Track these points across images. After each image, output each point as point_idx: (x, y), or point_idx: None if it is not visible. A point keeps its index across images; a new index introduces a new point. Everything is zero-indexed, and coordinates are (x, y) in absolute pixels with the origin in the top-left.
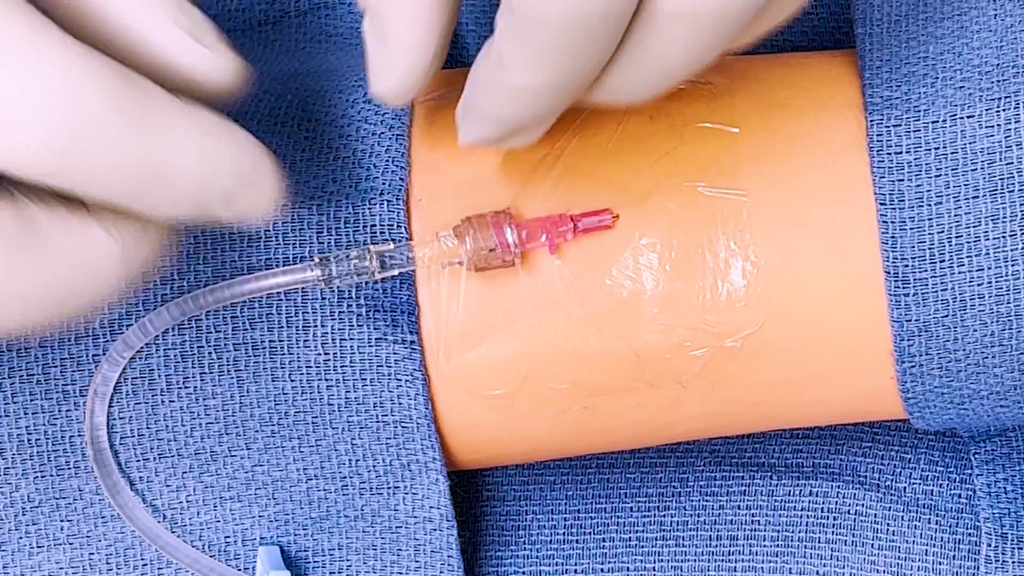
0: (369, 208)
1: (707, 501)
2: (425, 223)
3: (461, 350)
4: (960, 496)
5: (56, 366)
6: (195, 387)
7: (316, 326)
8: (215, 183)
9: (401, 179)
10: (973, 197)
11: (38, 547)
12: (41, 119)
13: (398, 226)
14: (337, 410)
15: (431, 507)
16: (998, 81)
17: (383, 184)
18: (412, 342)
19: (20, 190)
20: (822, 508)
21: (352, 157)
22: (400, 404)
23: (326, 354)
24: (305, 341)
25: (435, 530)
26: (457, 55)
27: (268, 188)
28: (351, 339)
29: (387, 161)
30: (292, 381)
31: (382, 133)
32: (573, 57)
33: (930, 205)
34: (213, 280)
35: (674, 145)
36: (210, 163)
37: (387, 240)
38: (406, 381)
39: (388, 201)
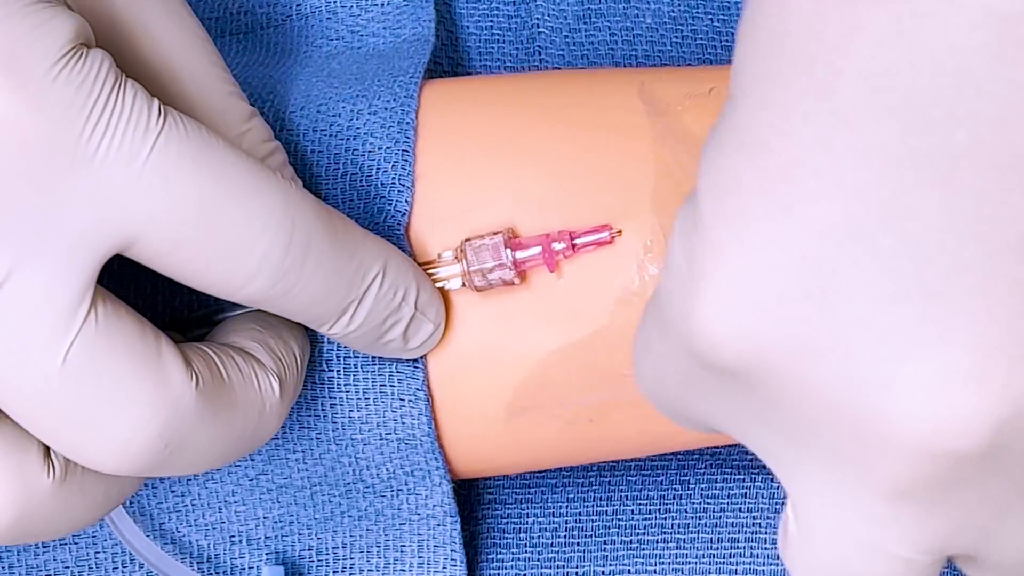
0: (374, 229)
1: (708, 504)
2: (427, 243)
3: (465, 368)
4: None
5: None
6: None
7: (320, 343)
8: (400, 309)
9: (407, 200)
10: None
11: (44, 546)
12: (280, 230)
13: (401, 249)
14: (341, 428)
15: (434, 505)
16: None
17: (388, 204)
18: (414, 361)
19: (207, 345)
20: None
21: (360, 174)
22: (403, 423)
23: (330, 371)
24: (310, 358)
25: (439, 526)
26: (457, 59)
27: (434, 320)
28: (354, 358)
29: (393, 179)
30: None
31: (388, 148)
32: None
33: None
34: (207, 302)
35: (678, 161)
36: (398, 286)
37: None
38: (409, 400)
39: (390, 225)
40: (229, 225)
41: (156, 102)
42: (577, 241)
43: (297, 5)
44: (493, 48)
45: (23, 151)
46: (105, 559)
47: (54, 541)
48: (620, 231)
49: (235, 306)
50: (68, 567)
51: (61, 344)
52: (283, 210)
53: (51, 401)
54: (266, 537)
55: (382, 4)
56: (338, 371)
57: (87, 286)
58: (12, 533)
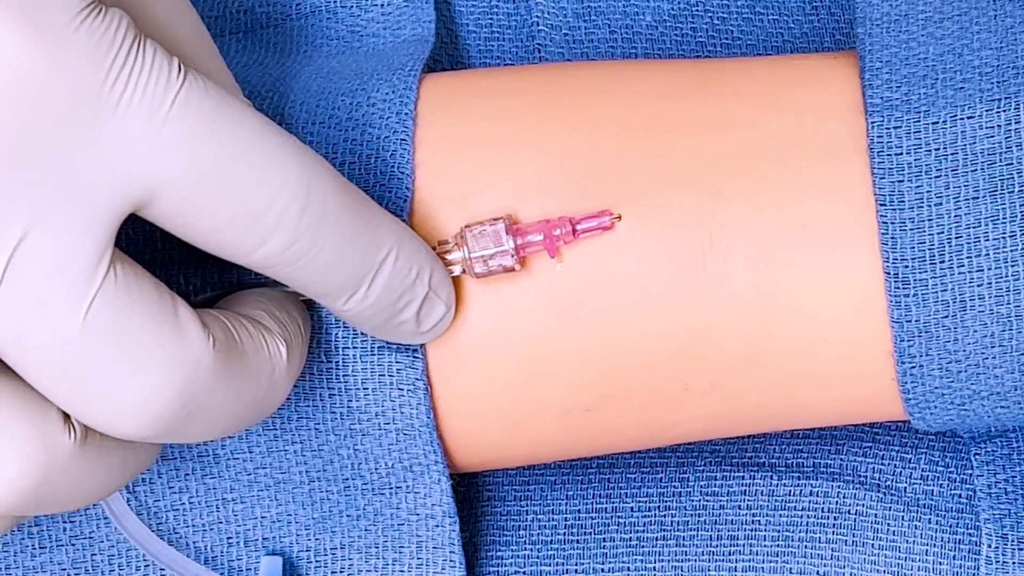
0: None
1: (708, 501)
2: (426, 231)
3: (464, 356)
4: (960, 496)
5: None
6: None
7: (319, 333)
8: (415, 287)
9: (407, 188)
10: (973, 198)
11: (40, 548)
12: (296, 190)
13: None
14: (339, 418)
15: (433, 504)
16: (998, 82)
17: (388, 192)
18: (414, 351)
19: (217, 311)
20: (822, 508)
21: (358, 163)
22: (402, 413)
23: (328, 362)
24: (308, 350)
25: (437, 527)
26: (457, 56)
27: (447, 302)
28: (353, 348)
29: (392, 168)
30: (295, 387)
31: (386, 138)
32: None
33: (930, 206)
34: (213, 285)
35: (675, 146)
36: (412, 263)
37: None
38: (408, 390)
39: (392, 212)
40: (246, 183)
41: (176, 59)
42: (578, 227)
43: (297, 5)
44: (493, 46)
45: (43, 103)
46: (102, 560)
47: (51, 543)
48: (620, 216)
49: (237, 290)
50: (65, 568)
51: (82, 301)
52: (301, 169)
53: (70, 360)
54: (264, 538)
55: (382, 4)
56: (337, 361)
57: (107, 243)
58: (34, 496)
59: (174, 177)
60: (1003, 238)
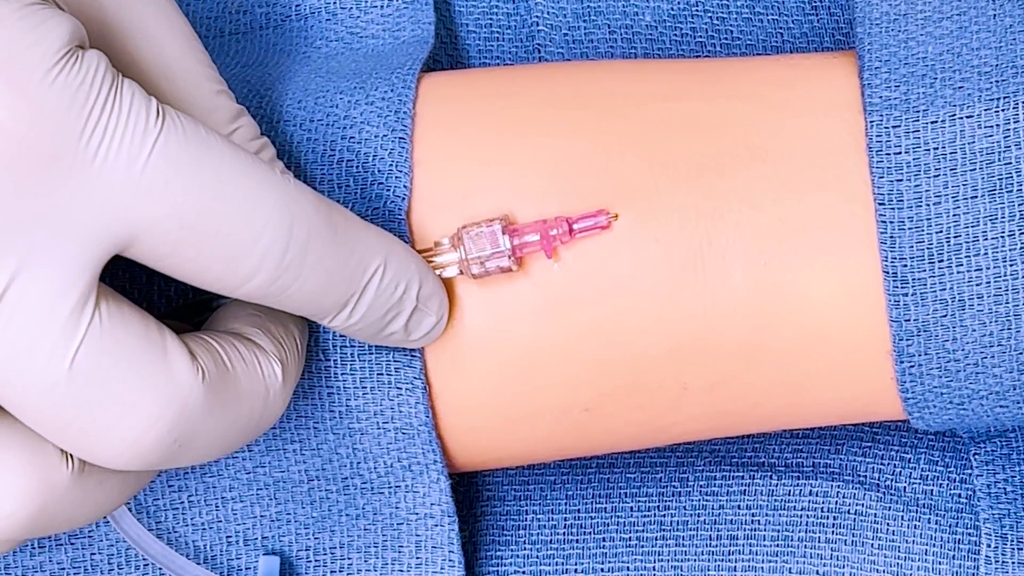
0: (371, 216)
1: (707, 501)
2: (424, 230)
3: (462, 357)
4: (960, 496)
5: None
6: None
7: (317, 332)
8: (402, 302)
9: (405, 185)
10: (972, 197)
11: (40, 547)
12: (279, 228)
13: (400, 236)
14: (338, 417)
15: (432, 504)
16: (997, 81)
17: (386, 190)
18: (412, 350)
19: (209, 335)
20: (822, 508)
21: (355, 160)
22: (400, 412)
23: (327, 361)
24: (307, 348)
25: (436, 526)
26: (457, 56)
27: (437, 313)
28: (351, 347)
29: (390, 166)
30: None
31: (385, 135)
32: None
33: (929, 205)
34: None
35: (674, 146)
36: (399, 280)
37: None
38: (406, 389)
39: (390, 211)
40: (228, 224)
41: (154, 102)
42: (574, 226)
43: (296, 6)
44: (492, 46)
45: (23, 156)
46: (101, 560)
47: (50, 542)
48: (616, 215)
49: None
50: (64, 568)
51: (68, 348)
52: (282, 207)
53: (59, 404)
54: (263, 537)
55: (382, 6)
56: (335, 360)
57: (90, 287)
58: (33, 524)
59: (156, 220)
60: (1002, 237)
